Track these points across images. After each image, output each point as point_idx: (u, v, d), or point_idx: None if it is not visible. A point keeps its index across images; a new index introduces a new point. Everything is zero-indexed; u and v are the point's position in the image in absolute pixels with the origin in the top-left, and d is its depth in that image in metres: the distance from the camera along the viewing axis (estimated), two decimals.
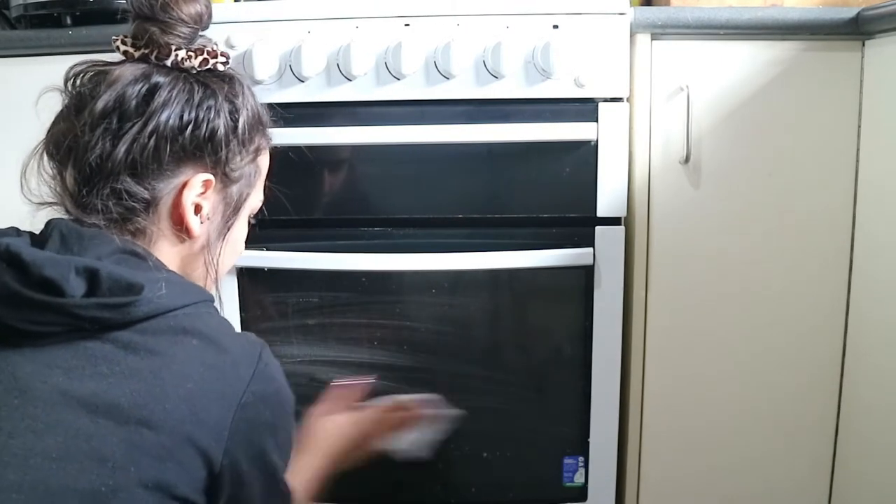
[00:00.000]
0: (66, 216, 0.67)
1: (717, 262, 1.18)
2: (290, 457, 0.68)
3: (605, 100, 1.12)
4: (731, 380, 1.21)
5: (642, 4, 1.24)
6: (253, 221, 0.82)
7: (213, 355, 0.61)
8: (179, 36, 0.69)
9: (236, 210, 0.75)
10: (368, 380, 1.05)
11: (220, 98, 0.70)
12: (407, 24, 1.10)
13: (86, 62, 0.69)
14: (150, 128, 0.65)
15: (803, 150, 1.15)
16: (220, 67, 0.72)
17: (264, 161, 0.79)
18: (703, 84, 1.13)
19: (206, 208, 0.71)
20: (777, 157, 1.15)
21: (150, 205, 0.67)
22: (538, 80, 1.10)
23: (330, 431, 0.95)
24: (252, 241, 0.85)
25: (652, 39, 1.12)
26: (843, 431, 1.20)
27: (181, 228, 0.70)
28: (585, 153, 1.13)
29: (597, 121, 1.12)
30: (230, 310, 1.16)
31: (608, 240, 1.15)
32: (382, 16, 1.10)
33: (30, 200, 0.69)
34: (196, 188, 0.69)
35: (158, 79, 0.67)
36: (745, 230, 1.17)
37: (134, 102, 0.66)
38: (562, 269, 1.16)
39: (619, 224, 1.16)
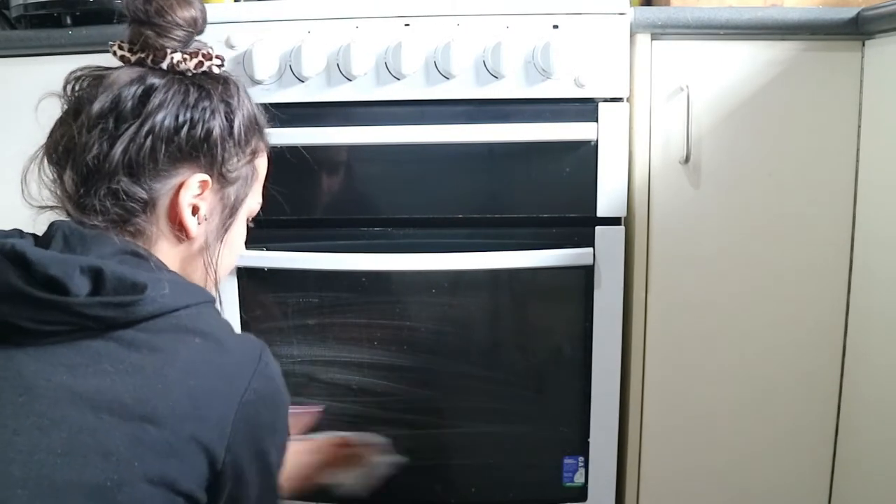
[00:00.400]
0: (67, 219, 0.67)
1: (717, 262, 1.18)
2: (284, 459, 0.69)
3: (605, 100, 1.12)
4: (731, 379, 1.21)
5: (642, 4, 1.24)
6: (251, 224, 0.82)
7: (215, 354, 0.62)
8: (174, 39, 0.70)
9: (234, 211, 0.75)
10: (317, 408, 1.05)
11: (215, 99, 0.71)
12: (407, 24, 1.10)
13: (84, 68, 0.70)
14: (146, 128, 0.66)
15: (803, 150, 1.15)
16: (216, 70, 0.73)
17: (262, 163, 0.80)
18: (703, 84, 1.13)
19: (204, 209, 0.71)
20: (777, 157, 1.15)
21: (147, 205, 0.68)
22: (538, 80, 1.10)
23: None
24: (252, 241, 0.85)
25: (652, 39, 1.12)
26: (843, 431, 1.20)
27: (179, 229, 0.70)
28: (585, 153, 1.13)
29: (597, 121, 1.12)
30: (230, 310, 1.16)
31: (608, 240, 1.15)
32: (382, 16, 1.10)
33: (31, 204, 0.70)
34: (193, 188, 0.70)
35: (154, 81, 0.68)
36: (745, 230, 1.17)
37: (130, 104, 0.67)
38: (562, 269, 1.16)
39: (619, 224, 1.16)
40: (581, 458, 1.22)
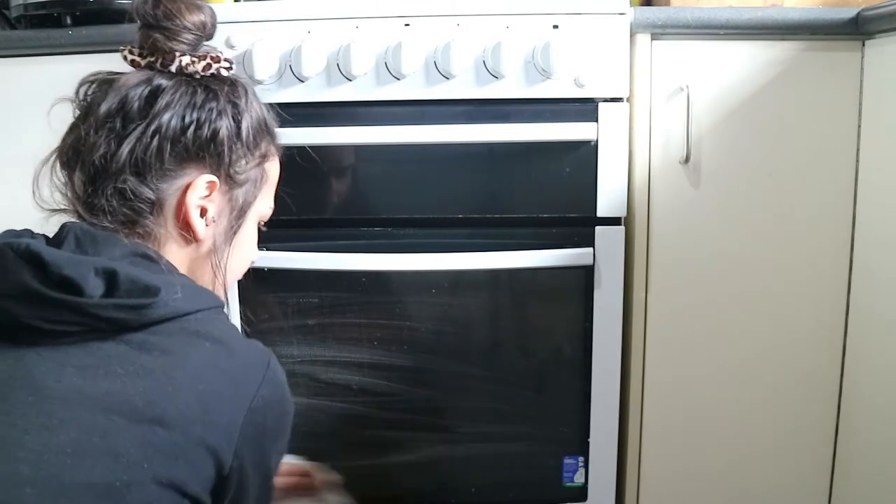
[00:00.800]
0: (77, 221, 0.68)
1: (717, 262, 1.18)
2: (280, 463, 0.69)
3: (605, 100, 1.12)
4: (731, 380, 1.21)
5: (642, 4, 1.24)
6: (264, 228, 0.82)
7: (224, 359, 0.63)
8: (183, 42, 0.71)
9: (242, 214, 0.75)
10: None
11: (222, 101, 0.71)
12: (407, 24, 1.10)
13: (95, 72, 0.71)
14: (152, 128, 0.67)
15: (803, 150, 1.15)
16: (224, 72, 0.74)
17: (273, 167, 0.80)
18: (703, 84, 1.13)
19: (212, 211, 0.72)
20: (777, 157, 1.15)
21: (155, 206, 0.68)
22: (538, 80, 1.10)
23: None
24: None
25: (652, 39, 1.12)
26: (843, 431, 1.20)
27: (187, 230, 0.70)
28: (585, 153, 1.13)
29: (597, 121, 1.12)
30: (231, 310, 1.16)
31: (608, 240, 1.15)
32: (382, 16, 1.10)
33: (42, 207, 0.71)
34: (200, 189, 0.70)
35: (161, 82, 0.69)
36: (745, 230, 1.17)
37: (137, 104, 0.67)
38: (562, 269, 1.16)
39: (619, 224, 1.16)
40: (581, 458, 1.22)
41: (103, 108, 0.67)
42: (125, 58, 0.71)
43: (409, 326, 1.19)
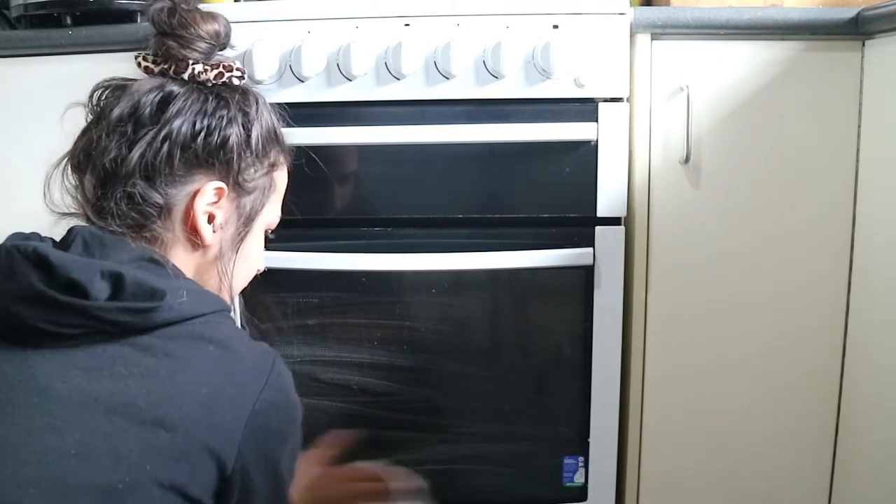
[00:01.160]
0: (87, 224, 0.69)
1: (717, 262, 1.18)
2: (295, 470, 0.69)
3: (605, 100, 1.12)
4: (731, 380, 1.21)
5: (642, 4, 1.24)
6: (272, 236, 0.83)
7: (228, 362, 0.63)
8: (196, 51, 0.72)
9: (249, 221, 0.76)
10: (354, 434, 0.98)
11: (233, 108, 0.72)
12: (407, 24, 1.10)
13: (110, 79, 0.72)
14: (163, 134, 0.68)
15: (803, 150, 1.15)
16: (236, 81, 0.75)
17: (281, 177, 0.81)
18: (703, 84, 1.13)
19: (220, 217, 0.72)
20: (777, 157, 1.15)
21: (163, 211, 0.69)
22: (538, 80, 1.10)
23: (314, 481, 0.89)
24: None
25: (652, 39, 1.12)
26: (843, 431, 1.20)
27: (195, 236, 0.71)
28: (585, 153, 1.13)
29: (597, 121, 1.12)
30: (233, 311, 1.16)
31: (608, 240, 1.15)
32: (382, 16, 1.10)
33: (52, 210, 0.72)
34: (208, 196, 0.71)
35: (173, 89, 0.70)
36: (745, 230, 1.17)
37: (148, 110, 0.68)
38: (562, 269, 1.16)
39: (619, 224, 1.16)
40: (581, 458, 1.22)
41: (115, 112, 0.68)
42: (139, 65, 0.73)
43: (409, 326, 1.19)
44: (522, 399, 1.23)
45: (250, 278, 0.82)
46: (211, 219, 0.72)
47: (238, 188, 0.73)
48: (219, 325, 0.65)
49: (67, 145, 0.71)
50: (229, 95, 0.73)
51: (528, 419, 1.23)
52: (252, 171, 0.74)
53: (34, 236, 0.65)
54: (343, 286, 1.18)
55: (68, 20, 1.19)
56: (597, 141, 1.12)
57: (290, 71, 1.09)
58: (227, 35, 0.76)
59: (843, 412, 1.20)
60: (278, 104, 0.84)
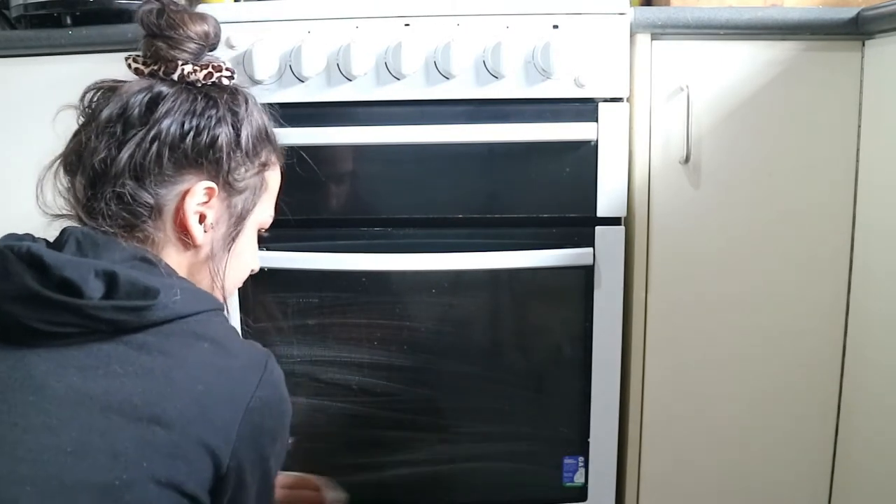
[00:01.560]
0: (79, 225, 0.69)
1: (717, 262, 1.18)
2: (280, 465, 0.69)
3: (605, 100, 1.12)
4: (731, 379, 1.21)
5: (642, 4, 1.24)
6: (265, 234, 0.83)
7: (223, 360, 0.63)
8: (186, 51, 0.72)
9: (241, 221, 0.76)
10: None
11: (221, 108, 0.72)
12: (407, 24, 1.10)
13: (100, 81, 0.72)
14: (152, 134, 0.68)
15: (803, 150, 1.15)
16: (225, 81, 0.75)
17: (273, 176, 0.81)
18: (703, 84, 1.13)
19: (210, 217, 0.72)
20: (777, 157, 1.15)
21: (154, 211, 0.69)
22: (538, 80, 1.10)
23: None
24: None
25: (652, 39, 1.12)
26: (843, 431, 1.20)
27: (186, 235, 0.71)
28: (585, 153, 1.13)
29: (597, 121, 1.12)
30: (230, 310, 1.16)
31: (608, 240, 1.15)
32: (382, 16, 1.10)
33: (45, 212, 0.72)
34: (198, 195, 0.71)
35: (162, 89, 0.70)
36: (745, 230, 1.17)
37: (138, 111, 0.69)
38: (562, 269, 1.16)
39: (619, 224, 1.16)
40: (581, 458, 1.22)
41: (105, 113, 0.68)
42: (129, 66, 0.73)
43: (409, 326, 1.19)
44: (522, 399, 1.23)
45: (244, 278, 0.82)
46: (202, 219, 0.72)
47: (228, 188, 0.73)
48: (213, 323, 0.66)
49: (60, 147, 0.71)
50: (218, 95, 0.73)
51: (528, 419, 1.23)
52: (242, 170, 0.74)
53: (27, 237, 0.66)
54: (343, 286, 1.18)
55: (68, 20, 1.19)
56: (597, 141, 1.12)
57: (291, 71, 1.09)
58: (217, 35, 0.76)
59: (843, 411, 1.20)
60: (272, 104, 0.84)
